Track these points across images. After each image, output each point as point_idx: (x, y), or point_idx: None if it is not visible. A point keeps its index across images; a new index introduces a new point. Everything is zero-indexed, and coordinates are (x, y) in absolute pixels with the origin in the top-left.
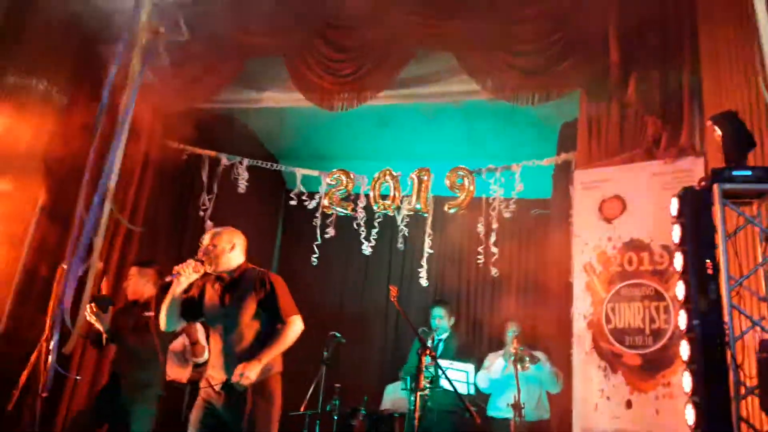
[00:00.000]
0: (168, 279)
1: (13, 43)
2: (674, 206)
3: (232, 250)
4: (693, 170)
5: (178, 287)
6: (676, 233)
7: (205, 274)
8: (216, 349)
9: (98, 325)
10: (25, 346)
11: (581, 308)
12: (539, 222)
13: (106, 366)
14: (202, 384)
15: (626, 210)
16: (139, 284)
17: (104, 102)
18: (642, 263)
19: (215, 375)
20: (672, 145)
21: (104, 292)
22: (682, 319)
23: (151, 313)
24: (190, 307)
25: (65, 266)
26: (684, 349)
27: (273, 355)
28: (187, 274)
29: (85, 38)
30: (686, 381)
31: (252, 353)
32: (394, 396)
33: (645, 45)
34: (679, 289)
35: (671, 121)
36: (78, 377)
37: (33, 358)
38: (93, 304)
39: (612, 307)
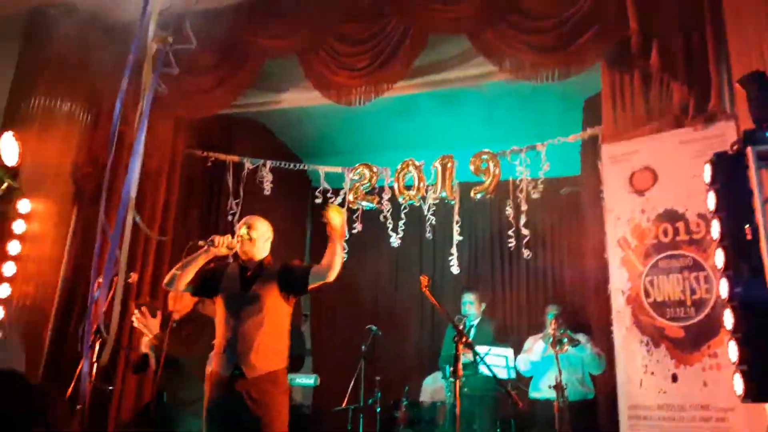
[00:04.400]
0: (200, 243)
1: (34, 68)
2: (707, 172)
3: (266, 240)
4: (725, 135)
5: (205, 256)
6: (711, 200)
7: (231, 258)
8: (226, 335)
9: (146, 331)
10: (70, 362)
11: (619, 284)
12: (570, 200)
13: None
14: (209, 375)
15: (658, 181)
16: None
17: (117, 115)
18: (678, 234)
19: (222, 364)
20: (701, 110)
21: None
22: (723, 288)
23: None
24: (207, 280)
25: (100, 281)
26: (728, 318)
27: (339, 250)
28: (220, 246)
29: (101, 53)
30: (732, 350)
31: (267, 345)
32: (434, 386)
33: (664, 9)
34: (719, 257)
35: (698, 86)
36: (111, 387)
37: (77, 372)
38: (142, 308)
39: (650, 280)
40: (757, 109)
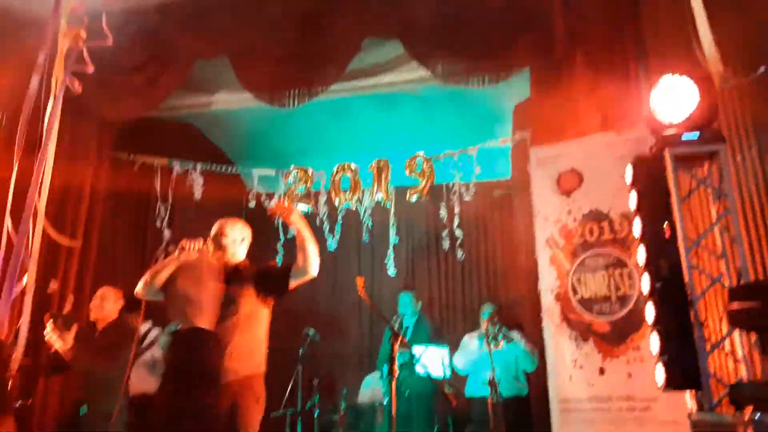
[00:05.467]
0: (170, 249)
1: None
2: (628, 174)
3: (241, 243)
4: (645, 138)
5: (176, 262)
6: (633, 200)
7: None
8: None
9: (57, 345)
10: None
11: (548, 282)
12: (503, 203)
13: (57, 392)
14: None
15: (583, 182)
16: (105, 306)
17: (26, 115)
18: (603, 233)
19: None
20: (623, 114)
21: (67, 311)
22: (645, 283)
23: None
24: None
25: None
26: (649, 312)
27: (309, 241)
28: (190, 251)
29: (13, 49)
30: (654, 342)
31: (242, 348)
32: (373, 387)
33: (588, 17)
34: (640, 254)
35: (620, 91)
36: (29, 401)
37: None
38: (53, 321)
39: (577, 278)
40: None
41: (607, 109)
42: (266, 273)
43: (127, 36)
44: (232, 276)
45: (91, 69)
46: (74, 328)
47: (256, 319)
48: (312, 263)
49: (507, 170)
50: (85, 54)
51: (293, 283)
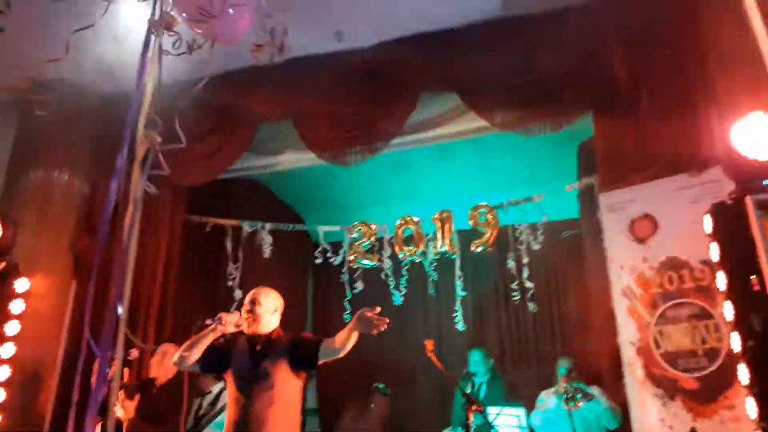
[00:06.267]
0: (207, 322)
1: (31, 142)
2: (708, 223)
3: (274, 312)
4: (720, 180)
5: (213, 334)
6: (715, 251)
7: (239, 333)
8: (237, 413)
9: (119, 414)
10: None
11: (627, 335)
12: (572, 244)
13: None
14: None
15: (658, 228)
16: (165, 363)
17: (105, 221)
18: (683, 281)
19: None
20: (694, 156)
21: (126, 380)
22: (735, 342)
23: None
24: (215, 357)
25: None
26: (743, 373)
27: (354, 336)
28: (227, 324)
29: (97, 125)
30: (751, 406)
31: (279, 422)
32: None
33: (652, 56)
34: (728, 310)
35: (690, 132)
36: None
37: None
38: (123, 390)
39: (659, 330)
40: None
41: (676, 151)
42: (299, 346)
43: (193, 104)
44: (266, 348)
45: (168, 172)
46: (137, 398)
47: (290, 391)
48: (346, 349)
49: (574, 209)
50: (161, 158)
51: (322, 360)
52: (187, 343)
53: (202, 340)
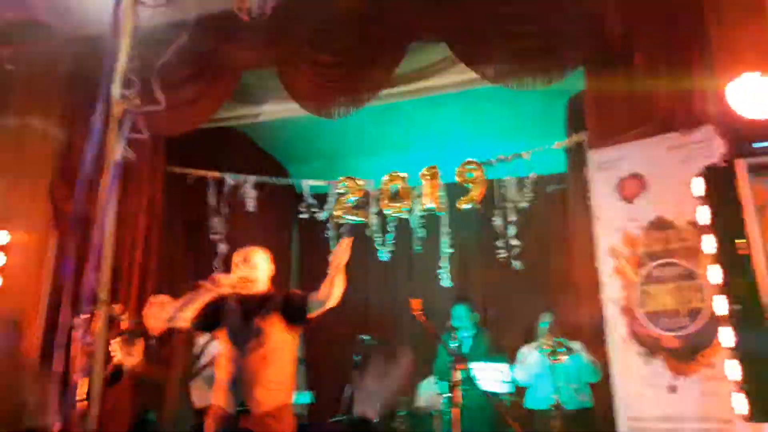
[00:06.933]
0: (202, 283)
1: (4, 86)
2: (699, 186)
3: (267, 272)
4: (711, 140)
5: (207, 294)
6: (704, 215)
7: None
8: (230, 370)
9: (127, 362)
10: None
11: (611, 293)
12: (557, 200)
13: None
14: (211, 411)
15: (646, 187)
16: (160, 314)
17: (80, 193)
18: (669, 242)
19: (226, 400)
20: (686, 115)
21: (126, 327)
22: (721, 305)
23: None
24: (209, 315)
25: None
26: (727, 337)
27: (339, 283)
28: (224, 285)
29: (77, 76)
30: (733, 369)
31: (273, 379)
32: (428, 392)
33: (646, 13)
34: (714, 273)
35: (682, 90)
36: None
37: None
38: (120, 339)
39: (644, 289)
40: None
41: (668, 109)
42: (290, 301)
43: (174, 51)
44: (258, 305)
45: (146, 136)
46: (139, 342)
47: (284, 348)
48: (334, 298)
49: (560, 163)
50: (140, 120)
51: (312, 314)
52: (180, 301)
53: (196, 300)
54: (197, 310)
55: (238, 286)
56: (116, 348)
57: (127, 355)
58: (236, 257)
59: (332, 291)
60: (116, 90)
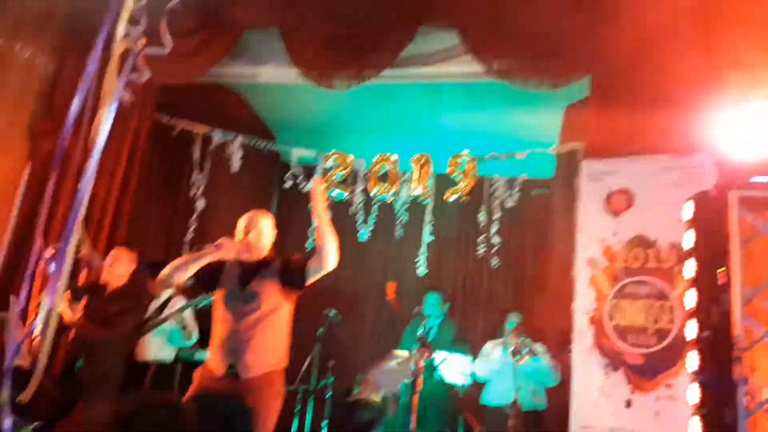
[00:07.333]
0: (207, 247)
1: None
2: (688, 210)
3: (270, 238)
4: (704, 167)
5: (210, 257)
6: (689, 238)
7: None
8: (222, 333)
9: (66, 316)
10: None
11: (583, 303)
12: (540, 204)
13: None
14: (200, 371)
15: (633, 204)
16: (115, 269)
17: (68, 128)
18: (648, 260)
19: (216, 362)
20: (683, 138)
21: (81, 281)
22: (691, 329)
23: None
24: (207, 274)
25: (53, 250)
26: (692, 360)
27: (329, 238)
28: (227, 251)
29: (75, 8)
30: (693, 392)
31: (265, 344)
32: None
33: (658, 30)
34: (690, 297)
35: (684, 113)
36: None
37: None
38: (70, 292)
39: (615, 303)
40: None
41: (666, 130)
42: (288, 267)
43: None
44: (256, 269)
45: (147, 78)
46: (85, 299)
47: (278, 314)
48: (329, 260)
49: (548, 168)
50: (142, 61)
51: (310, 279)
52: (180, 260)
53: (197, 261)
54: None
55: (242, 251)
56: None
57: (67, 309)
58: (242, 222)
59: (326, 253)
60: (121, 27)
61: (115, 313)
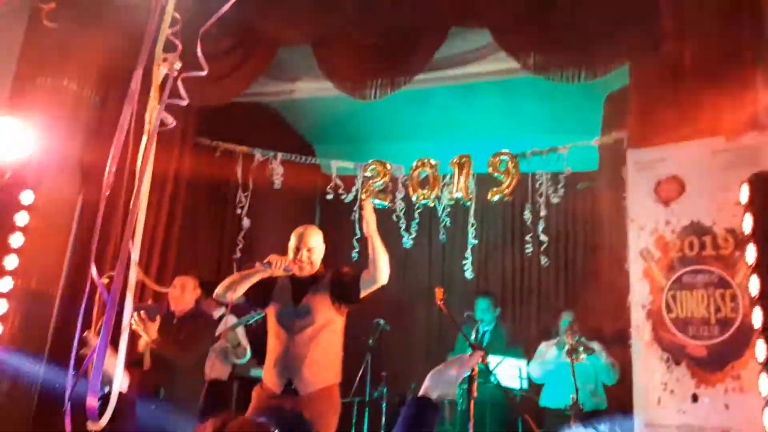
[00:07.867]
0: (257, 264)
1: (40, 47)
2: (744, 193)
3: (321, 253)
4: (759, 147)
5: (260, 275)
6: (748, 222)
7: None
8: (277, 349)
9: (144, 335)
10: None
11: (639, 297)
12: (586, 197)
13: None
14: (258, 389)
15: (685, 191)
16: (184, 296)
17: (114, 155)
18: (704, 248)
19: (273, 378)
20: (734, 120)
21: (149, 302)
22: (757, 316)
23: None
24: (259, 291)
25: (107, 279)
26: (760, 349)
27: (380, 251)
28: (277, 268)
29: (110, 33)
30: (764, 383)
31: (320, 359)
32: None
33: (700, 10)
34: (753, 284)
35: (733, 93)
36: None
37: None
38: (141, 312)
39: (673, 295)
40: None
41: (715, 112)
42: (340, 280)
43: (216, 19)
44: (309, 285)
45: (186, 102)
46: (158, 320)
47: (331, 328)
48: (382, 274)
49: (592, 161)
50: (181, 86)
51: (364, 293)
52: (230, 279)
53: (249, 279)
54: (244, 290)
55: (293, 268)
56: (134, 322)
57: (144, 331)
58: (293, 240)
59: (377, 260)
60: (159, 52)
61: (189, 337)
